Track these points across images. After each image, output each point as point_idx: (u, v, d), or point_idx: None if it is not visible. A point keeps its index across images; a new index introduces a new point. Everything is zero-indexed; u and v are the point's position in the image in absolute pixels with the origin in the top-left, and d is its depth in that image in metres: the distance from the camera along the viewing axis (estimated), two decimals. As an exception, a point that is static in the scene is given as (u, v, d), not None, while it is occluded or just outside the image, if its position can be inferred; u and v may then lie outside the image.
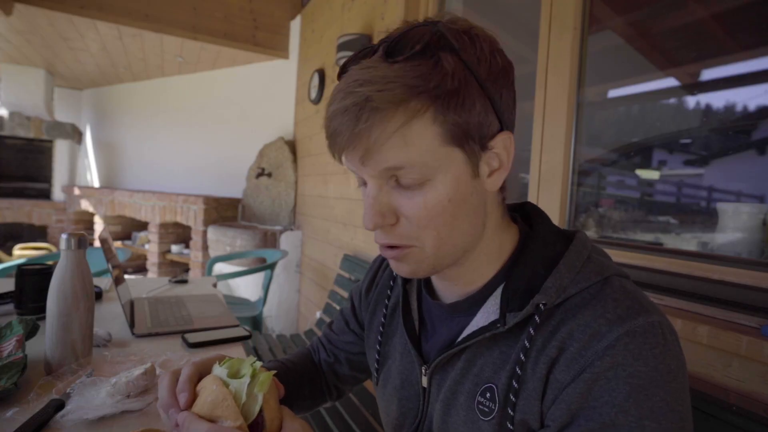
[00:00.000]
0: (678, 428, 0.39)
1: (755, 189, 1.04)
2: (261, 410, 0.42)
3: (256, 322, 2.69)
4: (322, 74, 3.03)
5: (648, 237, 1.24)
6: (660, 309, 0.45)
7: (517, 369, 0.45)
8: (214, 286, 1.59)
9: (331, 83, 2.91)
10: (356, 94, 0.42)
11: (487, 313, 0.50)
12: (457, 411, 0.50)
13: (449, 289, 0.55)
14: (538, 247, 0.49)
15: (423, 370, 0.55)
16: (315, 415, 1.54)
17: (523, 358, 0.45)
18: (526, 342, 0.45)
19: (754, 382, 0.75)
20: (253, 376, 0.43)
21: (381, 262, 0.71)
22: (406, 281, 0.62)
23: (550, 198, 1.32)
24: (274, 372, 0.45)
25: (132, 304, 1.20)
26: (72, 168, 5.71)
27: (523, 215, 0.56)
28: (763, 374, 0.74)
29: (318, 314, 2.53)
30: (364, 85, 0.41)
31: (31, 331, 0.84)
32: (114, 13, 3.34)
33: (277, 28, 3.89)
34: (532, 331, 0.45)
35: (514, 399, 0.45)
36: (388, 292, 0.64)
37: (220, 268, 3.44)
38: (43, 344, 0.77)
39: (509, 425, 0.46)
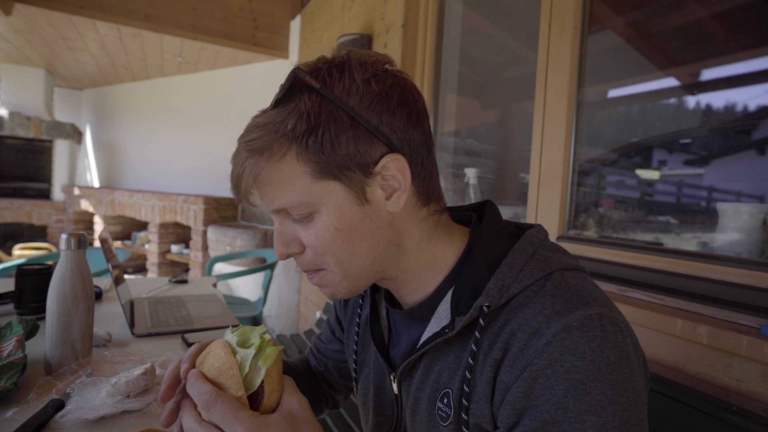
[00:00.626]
0: (622, 420, 0.39)
1: (755, 189, 1.04)
2: (262, 383, 0.42)
3: (256, 322, 2.69)
4: (322, 74, 3.03)
5: (648, 237, 1.24)
6: (605, 300, 0.45)
7: (467, 373, 0.46)
8: (214, 286, 1.59)
9: (331, 83, 2.91)
10: (239, 145, 0.48)
11: (440, 319, 0.51)
12: (421, 417, 0.52)
13: (403, 300, 0.56)
14: (483, 248, 0.50)
15: (392, 378, 0.56)
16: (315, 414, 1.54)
17: (471, 361, 0.46)
18: (473, 345, 0.46)
19: (754, 382, 0.75)
20: (260, 348, 0.44)
21: None
22: (375, 292, 0.63)
23: (550, 198, 1.32)
24: (281, 347, 0.46)
25: (132, 304, 1.20)
26: (72, 168, 5.71)
27: (480, 217, 0.56)
28: (763, 374, 0.74)
29: (318, 314, 2.53)
30: (243, 136, 0.47)
31: (31, 331, 0.84)
32: (114, 13, 3.34)
33: (277, 28, 3.89)
34: (477, 334, 0.46)
35: (466, 403, 0.46)
36: (360, 302, 0.65)
37: (220, 268, 3.44)
38: (43, 344, 0.77)
39: (465, 429, 0.46)
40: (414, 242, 0.51)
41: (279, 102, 0.47)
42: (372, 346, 0.61)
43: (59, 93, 6.13)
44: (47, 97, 5.45)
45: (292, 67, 0.46)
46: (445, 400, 0.49)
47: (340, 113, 0.45)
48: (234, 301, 2.95)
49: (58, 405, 0.64)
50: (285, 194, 0.47)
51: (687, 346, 0.85)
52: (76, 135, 5.70)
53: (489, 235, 0.51)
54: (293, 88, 0.46)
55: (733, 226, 0.99)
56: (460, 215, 0.57)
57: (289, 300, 3.41)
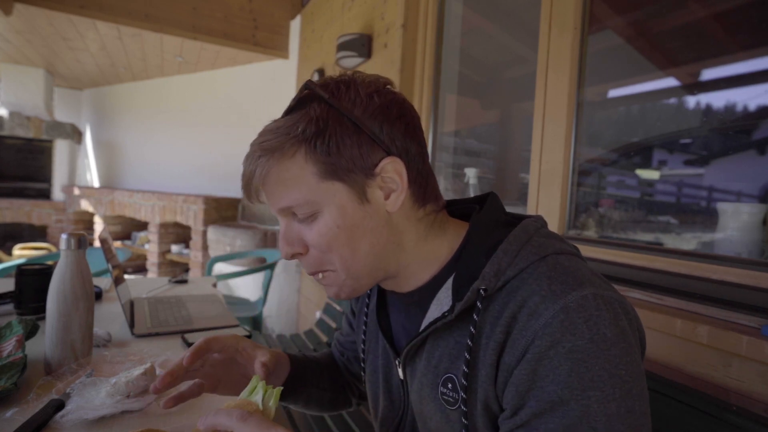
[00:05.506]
0: (623, 391, 0.41)
1: (755, 189, 1.04)
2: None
3: (256, 322, 2.69)
4: (322, 74, 3.03)
5: (648, 237, 1.24)
6: (599, 281, 0.47)
7: (467, 355, 0.48)
8: (214, 286, 1.59)
9: (331, 83, 2.91)
10: (251, 146, 0.52)
11: (441, 305, 0.54)
12: (428, 402, 0.54)
13: (401, 289, 0.60)
14: (481, 236, 0.53)
15: (397, 363, 0.59)
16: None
17: (470, 343, 0.48)
18: (472, 328, 0.48)
19: (754, 382, 0.75)
20: (265, 392, 0.51)
21: None
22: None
23: (550, 198, 1.32)
24: (281, 387, 0.52)
25: (132, 304, 1.20)
26: (72, 168, 5.71)
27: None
28: (763, 374, 0.74)
29: (318, 314, 2.53)
30: (257, 139, 0.52)
31: (31, 331, 0.84)
32: (114, 13, 3.34)
33: (277, 28, 3.89)
34: (476, 317, 0.48)
35: (472, 386, 0.48)
36: (369, 291, 0.67)
37: (220, 268, 3.44)
38: (43, 344, 0.77)
39: (472, 411, 0.48)
40: (412, 240, 0.54)
41: (291, 110, 0.52)
42: (380, 333, 0.64)
43: (59, 93, 6.12)
44: (47, 97, 5.45)
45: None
46: (449, 385, 0.51)
47: (346, 121, 0.49)
48: (234, 301, 2.95)
49: (58, 405, 0.64)
50: (292, 192, 0.50)
51: (687, 346, 0.85)
52: (76, 135, 5.71)
53: (486, 224, 0.54)
54: (305, 98, 0.51)
55: (733, 226, 0.99)
56: (464, 208, 0.60)
57: (289, 300, 3.41)
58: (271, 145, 0.50)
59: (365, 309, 0.67)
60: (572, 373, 0.41)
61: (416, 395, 0.56)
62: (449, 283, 0.53)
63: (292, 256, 0.54)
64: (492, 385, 0.46)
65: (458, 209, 0.60)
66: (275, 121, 0.53)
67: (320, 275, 0.54)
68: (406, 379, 0.58)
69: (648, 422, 0.43)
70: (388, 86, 0.54)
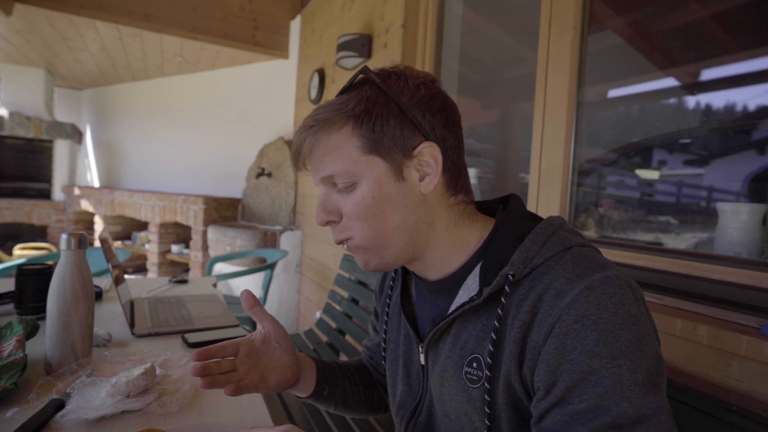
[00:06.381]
0: (647, 365, 0.43)
1: (754, 189, 1.03)
2: None
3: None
4: (322, 74, 3.03)
5: (648, 237, 1.24)
6: (620, 270, 0.49)
7: (494, 335, 0.51)
8: (214, 286, 1.59)
9: (331, 83, 2.91)
10: (305, 120, 0.58)
11: (468, 290, 0.57)
12: (450, 383, 0.57)
13: (429, 279, 0.62)
14: (508, 229, 0.56)
15: (420, 349, 0.62)
16: (315, 414, 1.54)
17: (497, 324, 0.51)
18: (499, 310, 0.51)
19: (754, 382, 0.75)
20: None
21: None
22: (406, 272, 0.70)
23: (549, 198, 1.32)
24: None
25: (132, 304, 1.20)
26: (72, 168, 5.71)
27: (507, 206, 0.63)
28: (763, 374, 0.74)
29: (318, 314, 2.53)
30: (311, 114, 0.57)
31: (31, 331, 0.84)
32: (114, 13, 3.34)
33: (277, 28, 3.89)
34: (503, 300, 0.51)
35: (496, 364, 0.51)
36: (392, 284, 0.72)
37: (220, 268, 3.44)
38: (43, 344, 0.78)
39: (495, 389, 0.51)
40: (443, 224, 0.58)
41: (345, 90, 0.58)
42: (402, 321, 0.67)
43: (59, 93, 6.12)
44: (47, 97, 5.45)
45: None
46: (474, 364, 0.54)
47: (393, 105, 0.54)
48: (234, 301, 2.95)
49: (58, 405, 0.64)
50: (335, 162, 0.55)
51: (687, 346, 0.85)
52: (76, 135, 5.70)
53: (513, 218, 0.57)
54: (359, 81, 0.57)
55: (733, 226, 0.99)
56: (487, 207, 0.65)
57: (289, 300, 3.41)
58: (322, 118, 0.55)
59: (388, 300, 0.72)
60: (599, 342, 0.43)
61: (438, 378, 0.59)
62: (477, 270, 0.57)
63: (326, 223, 0.58)
64: (516, 361, 0.49)
65: (482, 208, 0.64)
66: (331, 99, 0.59)
67: (345, 245, 0.59)
68: (427, 365, 0.61)
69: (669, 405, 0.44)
70: (435, 82, 0.58)
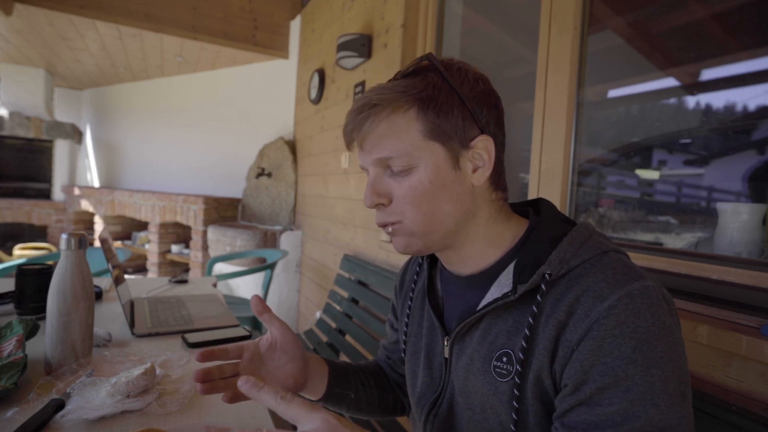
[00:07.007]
0: (679, 375, 0.45)
1: (754, 189, 1.03)
2: None
3: (256, 322, 2.69)
4: (322, 74, 3.03)
5: (648, 237, 1.24)
6: (655, 280, 0.51)
7: (527, 331, 0.51)
8: (214, 286, 1.59)
9: (331, 83, 2.91)
10: (364, 98, 0.57)
11: (501, 287, 0.57)
12: (476, 376, 0.57)
13: (459, 272, 0.63)
14: (544, 229, 0.57)
15: (445, 342, 0.62)
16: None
17: (531, 321, 0.51)
18: (534, 308, 0.52)
19: (754, 382, 0.75)
20: None
21: (410, 260, 0.80)
22: (432, 267, 0.70)
23: (549, 198, 1.32)
24: None
25: (132, 304, 1.20)
26: (72, 168, 5.71)
27: (537, 210, 0.64)
28: (763, 374, 0.74)
29: (318, 314, 2.53)
30: (370, 93, 0.56)
31: (31, 331, 0.84)
32: (114, 13, 3.34)
33: (277, 28, 3.89)
34: (539, 298, 0.51)
35: (528, 360, 0.52)
36: (415, 278, 0.73)
37: (220, 268, 3.44)
38: (43, 344, 0.77)
39: (524, 383, 0.52)
40: (484, 217, 0.59)
41: (406, 75, 0.57)
42: (425, 314, 0.68)
43: (59, 93, 6.12)
44: (47, 97, 5.45)
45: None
46: (504, 359, 0.54)
47: (455, 95, 0.55)
48: (234, 301, 2.95)
49: (58, 405, 0.64)
50: (395, 143, 0.55)
51: (687, 346, 0.85)
52: (76, 135, 5.70)
53: (548, 219, 0.59)
54: (422, 68, 0.57)
55: (733, 226, 0.99)
56: (517, 209, 0.65)
57: (289, 300, 3.41)
58: (388, 97, 0.55)
59: (411, 294, 0.73)
60: (636, 351, 0.44)
61: (462, 371, 0.59)
62: (511, 267, 0.57)
63: (376, 206, 0.58)
64: (548, 358, 0.50)
65: (512, 209, 0.65)
66: (390, 82, 0.58)
67: (390, 228, 0.59)
68: (451, 358, 0.62)
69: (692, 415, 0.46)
70: (489, 80, 0.60)
